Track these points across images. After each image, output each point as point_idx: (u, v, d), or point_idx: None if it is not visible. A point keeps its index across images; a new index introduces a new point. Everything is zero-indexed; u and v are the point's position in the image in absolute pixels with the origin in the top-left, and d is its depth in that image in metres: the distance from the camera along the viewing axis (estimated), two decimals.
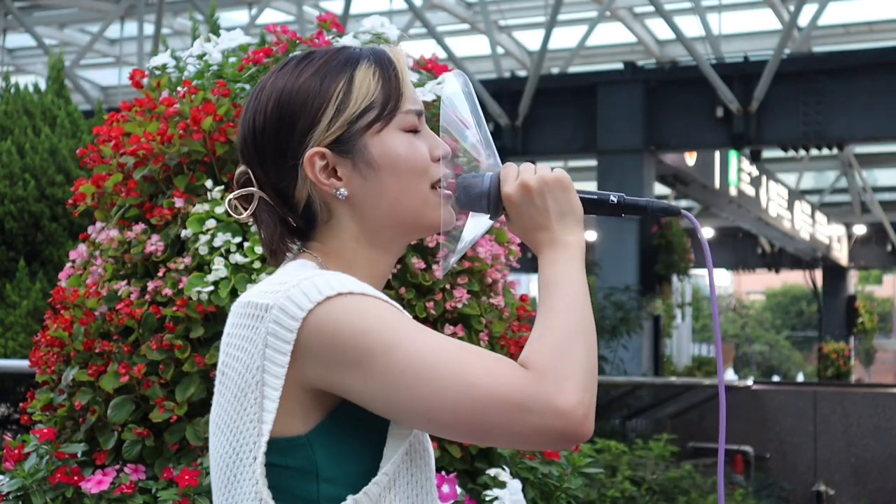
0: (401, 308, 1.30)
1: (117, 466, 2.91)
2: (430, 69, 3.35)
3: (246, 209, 1.40)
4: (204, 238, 2.95)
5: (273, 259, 1.41)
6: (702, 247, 1.50)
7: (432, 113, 2.77)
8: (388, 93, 1.37)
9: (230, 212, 1.41)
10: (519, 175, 1.39)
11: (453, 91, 1.44)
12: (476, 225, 1.42)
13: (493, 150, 1.43)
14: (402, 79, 1.39)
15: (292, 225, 1.40)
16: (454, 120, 1.42)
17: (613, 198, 1.44)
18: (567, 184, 1.39)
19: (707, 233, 23.10)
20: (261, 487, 1.27)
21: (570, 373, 1.25)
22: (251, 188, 1.40)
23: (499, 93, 13.86)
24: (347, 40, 3.29)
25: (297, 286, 1.26)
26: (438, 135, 1.41)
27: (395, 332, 1.25)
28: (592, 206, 1.44)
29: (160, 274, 2.98)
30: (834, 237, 24.03)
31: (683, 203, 22.94)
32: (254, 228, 2.95)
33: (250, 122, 1.39)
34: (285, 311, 1.25)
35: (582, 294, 1.33)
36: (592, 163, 15.66)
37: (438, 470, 3.00)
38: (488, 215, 1.41)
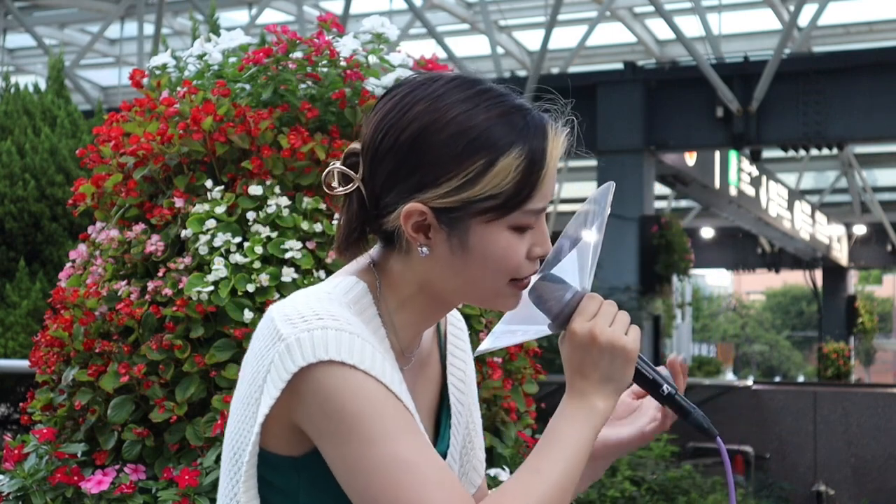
0: (398, 395, 1.27)
1: (117, 466, 2.91)
2: (430, 69, 3.35)
3: (342, 185, 1.36)
4: (204, 238, 2.95)
5: (339, 253, 1.39)
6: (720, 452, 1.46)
7: None
8: (520, 188, 1.30)
9: (324, 181, 1.37)
10: (595, 317, 1.35)
11: (603, 200, 1.42)
12: (533, 321, 1.38)
13: (593, 268, 1.40)
14: (545, 175, 1.33)
15: (371, 227, 1.37)
16: (581, 219, 1.39)
17: (665, 389, 1.41)
18: (631, 357, 1.35)
19: (707, 233, 23.09)
20: (240, 495, 1.30)
21: None
22: (355, 174, 1.35)
23: None
24: (347, 41, 3.29)
25: (311, 332, 1.26)
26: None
27: (379, 426, 1.24)
28: (643, 381, 1.41)
29: (160, 274, 2.98)
30: (834, 237, 24.03)
31: (683, 203, 22.96)
32: (255, 228, 2.96)
33: (382, 131, 1.32)
34: (290, 351, 1.26)
35: (576, 467, 1.30)
36: (592, 163, 15.66)
37: None
38: (549, 324, 1.38)
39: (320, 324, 1.26)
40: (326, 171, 1.37)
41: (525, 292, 1.36)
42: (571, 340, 1.35)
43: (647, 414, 1.50)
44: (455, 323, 1.54)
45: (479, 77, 1.36)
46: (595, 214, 1.41)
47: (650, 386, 1.41)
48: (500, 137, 1.30)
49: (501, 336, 1.40)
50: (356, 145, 1.37)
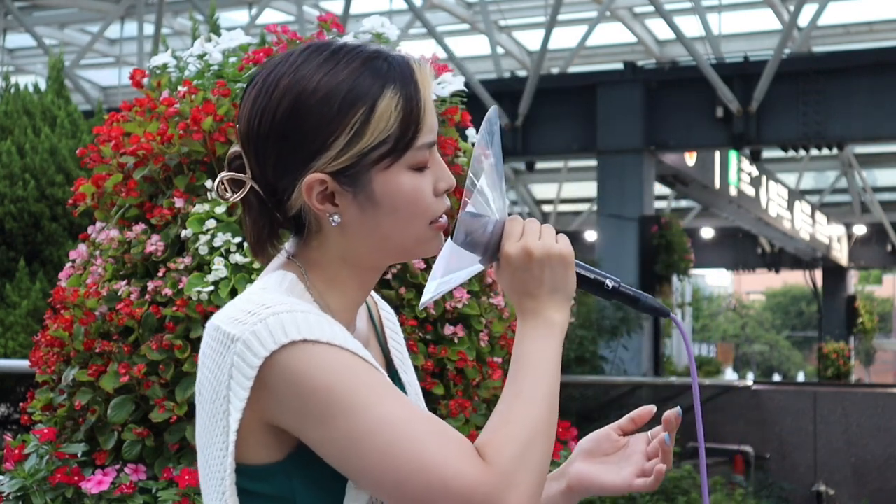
0: (370, 359, 1.25)
1: (117, 466, 2.91)
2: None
3: (234, 192, 1.33)
4: (204, 238, 2.95)
5: (255, 253, 1.37)
6: (682, 335, 1.46)
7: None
8: (406, 126, 1.29)
9: (216, 192, 1.34)
10: (523, 236, 1.34)
11: (488, 126, 1.39)
12: (465, 264, 1.36)
13: (504, 190, 1.39)
14: (423, 109, 1.31)
15: (279, 220, 1.35)
16: (478, 153, 1.37)
17: (609, 283, 1.40)
18: (569, 261, 1.34)
19: (707, 233, 23.09)
20: None
21: (526, 476, 1.23)
22: (243, 175, 1.33)
23: (499, 93, 13.85)
24: (348, 40, 3.29)
25: (264, 321, 1.23)
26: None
27: (359, 394, 1.21)
28: (587, 284, 1.40)
29: (160, 274, 2.98)
30: (834, 237, 24.03)
31: (683, 203, 22.96)
32: None
33: (256, 118, 1.30)
34: (249, 346, 1.22)
35: (553, 381, 1.30)
36: (592, 163, 15.67)
37: None
38: (480, 259, 1.36)
39: (270, 311, 1.24)
40: (216, 183, 1.34)
41: (448, 240, 1.35)
42: (508, 265, 1.33)
43: (634, 461, 1.47)
44: (386, 308, 1.53)
45: (330, 40, 1.38)
46: (487, 145, 1.37)
47: (594, 285, 1.40)
48: (371, 84, 1.29)
49: (441, 287, 1.36)
50: (236, 148, 1.34)
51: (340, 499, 1.27)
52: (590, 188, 19.91)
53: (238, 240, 2.96)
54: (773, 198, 18.77)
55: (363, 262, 1.35)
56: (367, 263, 1.36)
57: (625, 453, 1.47)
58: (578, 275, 1.37)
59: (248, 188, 1.32)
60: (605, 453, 1.48)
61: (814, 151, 16.03)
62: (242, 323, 1.24)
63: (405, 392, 1.44)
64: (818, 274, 25.52)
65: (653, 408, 1.47)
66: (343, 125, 1.28)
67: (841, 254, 24.76)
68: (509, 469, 1.22)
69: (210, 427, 1.28)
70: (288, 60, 1.32)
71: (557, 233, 1.36)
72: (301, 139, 1.28)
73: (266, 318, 1.23)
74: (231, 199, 1.33)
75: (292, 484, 1.26)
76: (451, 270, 1.35)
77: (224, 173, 1.33)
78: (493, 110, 1.41)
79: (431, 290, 1.35)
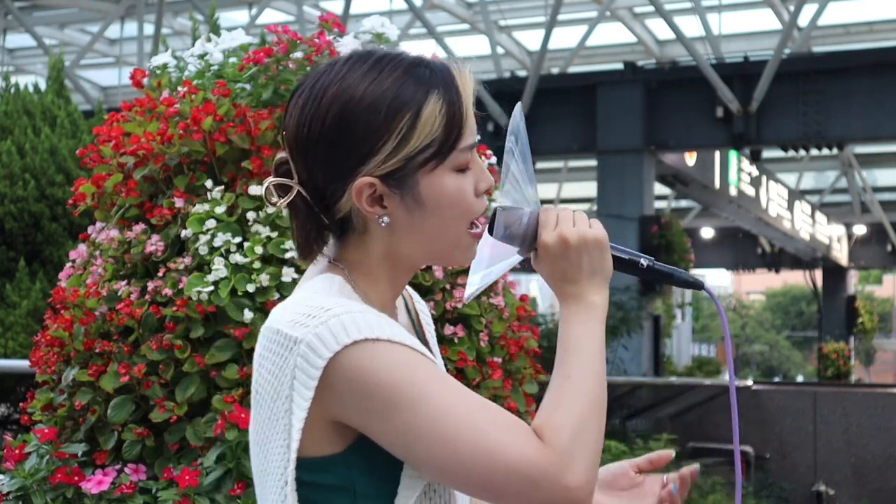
0: (425, 352, 1.31)
1: (117, 466, 2.91)
2: None
3: (281, 197, 1.39)
4: (204, 238, 2.95)
5: (303, 255, 1.42)
6: (720, 315, 1.54)
7: None
8: (449, 130, 1.35)
9: (265, 197, 1.40)
10: (558, 224, 1.40)
11: (515, 123, 1.44)
12: (503, 256, 1.43)
13: (534, 182, 1.44)
14: (465, 113, 1.38)
15: (325, 223, 1.40)
16: (510, 149, 1.43)
17: (644, 262, 1.46)
18: (604, 244, 1.40)
19: (707, 233, 23.10)
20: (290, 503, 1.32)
21: (582, 453, 1.29)
22: (290, 181, 1.38)
23: (499, 93, 13.85)
24: (348, 41, 3.29)
25: (325, 323, 1.28)
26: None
27: (419, 387, 1.27)
28: (622, 265, 1.46)
29: (160, 274, 2.98)
30: (834, 237, 24.03)
31: (683, 203, 22.96)
32: (255, 228, 2.96)
33: (305, 126, 1.35)
34: (313, 348, 1.28)
35: (598, 361, 1.36)
36: (592, 163, 15.67)
37: None
38: (518, 251, 1.42)
39: (329, 314, 1.29)
40: (264, 188, 1.40)
41: (485, 235, 1.40)
42: (547, 253, 1.39)
43: (648, 502, 1.55)
44: (419, 300, 1.60)
45: (371, 48, 1.42)
46: (515, 142, 1.43)
47: (630, 266, 1.46)
48: (415, 91, 1.35)
49: (483, 280, 1.43)
50: (283, 154, 1.39)
51: (396, 487, 1.33)
52: (590, 188, 19.91)
53: (238, 240, 2.96)
54: (773, 198, 18.77)
55: (403, 262, 1.41)
56: (407, 263, 1.42)
57: (640, 492, 1.56)
58: (614, 256, 1.43)
59: (294, 192, 1.37)
60: (622, 488, 1.56)
61: (814, 151, 16.03)
62: (304, 326, 1.29)
63: None
64: (818, 274, 25.52)
65: (671, 453, 1.55)
66: (390, 130, 1.33)
67: (841, 254, 24.76)
68: (567, 448, 1.28)
69: (269, 424, 1.33)
70: (333, 69, 1.38)
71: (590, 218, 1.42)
72: (350, 145, 1.34)
73: (327, 320, 1.28)
74: (279, 204, 1.38)
75: (352, 474, 1.32)
76: (491, 263, 1.42)
77: (271, 178, 1.39)
78: (518, 107, 1.47)
79: (476, 283, 1.42)
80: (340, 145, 1.34)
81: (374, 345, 1.28)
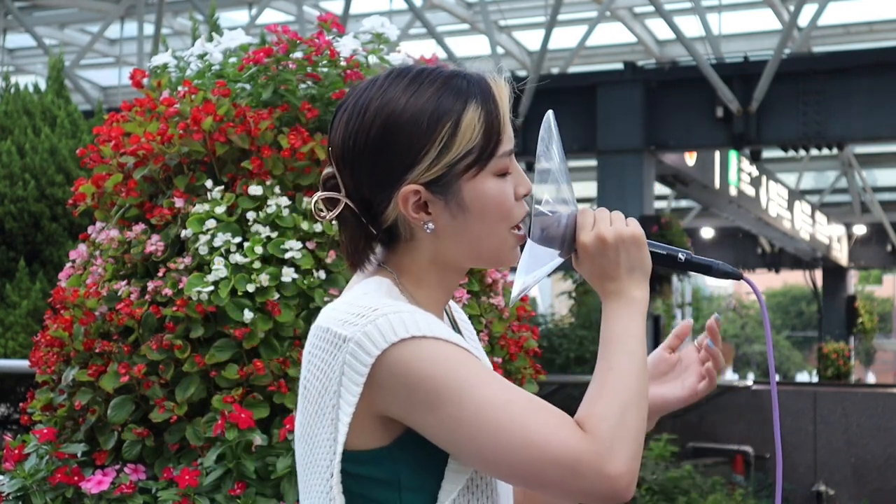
0: (469, 349, 1.36)
1: (117, 466, 2.91)
2: None
3: (329, 210, 1.44)
4: (204, 238, 2.95)
5: (352, 265, 1.47)
6: (760, 307, 1.58)
7: None
8: (488, 137, 1.42)
9: (313, 210, 1.45)
10: (595, 224, 1.45)
11: (547, 128, 1.50)
12: (545, 259, 1.47)
13: (571, 185, 1.49)
14: (503, 120, 1.44)
15: (373, 233, 1.45)
16: (543, 154, 1.48)
17: (682, 255, 1.51)
18: (641, 240, 1.45)
19: (707, 233, 23.09)
20: (335, 494, 1.36)
21: (624, 443, 1.33)
22: (338, 194, 1.44)
23: None
24: (347, 41, 3.29)
25: (373, 322, 1.33)
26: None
27: (464, 381, 1.32)
28: (661, 260, 1.50)
29: (160, 274, 2.98)
30: (834, 237, 24.02)
31: (683, 203, 22.96)
32: (255, 228, 2.96)
33: (351, 139, 1.41)
34: (361, 346, 1.33)
35: (641, 354, 1.41)
36: (592, 163, 15.67)
37: None
38: (559, 253, 1.46)
39: (378, 314, 1.34)
40: (312, 202, 1.46)
41: (528, 241, 1.45)
42: (586, 253, 1.45)
43: (692, 371, 1.60)
44: (459, 311, 1.64)
45: (409, 64, 1.49)
46: (547, 145, 1.49)
47: (668, 260, 1.51)
48: (454, 101, 1.41)
49: (526, 282, 1.47)
50: (330, 169, 1.45)
51: (440, 481, 1.37)
52: (590, 188, 19.90)
53: (238, 240, 2.96)
54: (773, 198, 18.77)
55: (450, 266, 1.47)
56: (454, 266, 1.47)
57: (681, 368, 1.62)
58: (652, 252, 1.48)
59: (342, 205, 1.43)
60: (663, 373, 1.62)
61: (814, 151, 16.02)
62: (353, 325, 1.35)
63: None
64: (818, 274, 25.51)
65: (690, 321, 1.61)
66: (432, 139, 1.40)
67: (841, 254, 24.75)
68: (609, 437, 1.32)
69: (317, 419, 1.38)
70: (374, 85, 1.44)
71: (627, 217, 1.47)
72: (395, 155, 1.40)
73: (375, 319, 1.34)
74: (328, 217, 1.44)
75: (397, 467, 1.37)
76: (534, 267, 1.46)
77: (320, 193, 1.45)
78: (550, 113, 1.53)
79: (520, 286, 1.46)
80: (385, 156, 1.40)
81: (420, 342, 1.33)
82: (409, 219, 1.41)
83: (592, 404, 1.36)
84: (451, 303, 1.62)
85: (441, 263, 1.45)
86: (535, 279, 1.47)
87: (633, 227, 1.45)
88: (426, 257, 1.45)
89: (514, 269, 1.49)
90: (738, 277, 1.53)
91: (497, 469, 1.33)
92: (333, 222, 1.47)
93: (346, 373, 1.34)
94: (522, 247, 1.46)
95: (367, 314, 1.35)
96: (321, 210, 1.45)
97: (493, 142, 1.42)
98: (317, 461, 1.38)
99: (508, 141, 1.45)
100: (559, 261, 1.47)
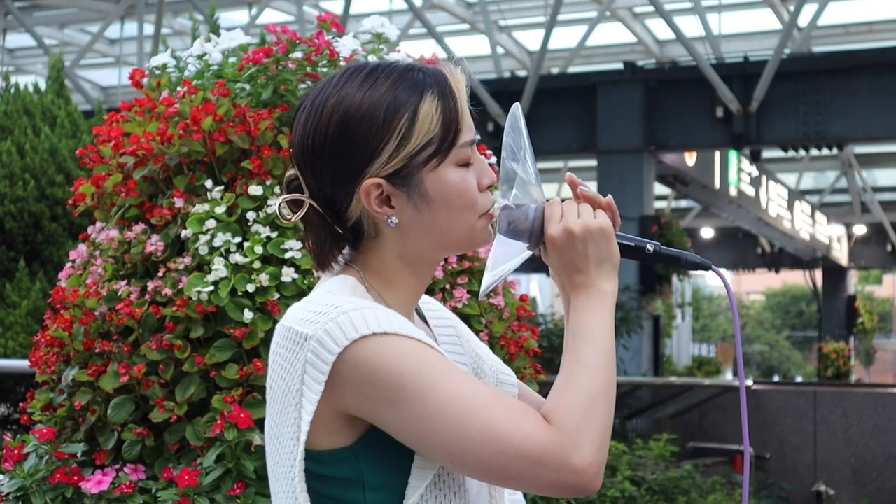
0: (433, 344, 1.35)
1: (117, 466, 2.91)
2: None
3: (294, 213, 1.44)
4: (204, 238, 2.95)
5: (319, 266, 1.47)
6: (730, 301, 1.54)
7: None
8: (447, 127, 1.41)
9: (278, 214, 1.45)
10: (563, 217, 1.43)
11: (514, 121, 1.48)
12: (514, 252, 1.45)
13: (538, 177, 1.47)
14: (461, 110, 1.43)
15: (339, 233, 1.45)
16: (510, 147, 1.46)
17: (650, 247, 1.49)
18: (609, 232, 1.43)
19: (707, 233, 23.10)
20: (298, 494, 1.35)
21: (589, 434, 1.32)
22: (302, 195, 1.43)
23: (499, 93, 13.86)
24: (347, 41, 3.29)
25: (334, 319, 1.33)
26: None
27: (427, 377, 1.31)
28: (629, 251, 1.49)
29: (160, 274, 2.98)
30: (834, 237, 24.02)
31: (683, 203, 22.96)
32: (255, 228, 2.96)
33: (309, 138, 1.41)
34: (323, 344, 1.32)
35: (609, 346, 1.40)
36: (592, 163, 15.67)
37: None
38: (527, 246, 1.45)
39: (339, 311, 1.34)
40: (277, 205, 1.45)
41: (497, 235, 1.44)
42: (554, 246, 1.43)
43: None
44: (424, 300, 1.62)
45: (365, 62, 1.48)
46: (513, 138, 1.47)
47: (637, 251, 1.49)
48: (410, 93, 1.40)
49: (494, 277, 1.45)
50: (292, 171, 1.45)
51: (406, 479, 1.37)
52: (590, 188, 19.89)
53: (238, 240, 2.96)
54: (773, 198, 18.77)
55: (420, 259, 1.46)
56: (425, 259, 1.46)
57: None
58: (620, 244, 1.46)
59: (307, 206, 1.43)
60: None
61: (814, 151, 16.03)
62: (314, 323, 1.34)
63: None
64: (818, 274, 25.51)
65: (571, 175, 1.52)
66: (390, 131, 1.39)
67: (841, 254, 24.76)
68: (574, 429, 1.31)
69: (281, 418, 1.37)
70: (331, 83, 1.44)
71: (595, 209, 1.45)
72: (354, 150, 1.39)
73: (336, 316, 1.33)
74: (293, 220, 1.44)
75: (361, 466, 1.36)
76: (502, 261, 1.44)
77: (283, 196, 1.44)
78: (516, 106, 1.51)
79: (488, 281, 1.44)
80: (344, 151, 1.39)
81: (382, 338, 1.32)
82: (372, 214, 1.40)
83: (559, 396, 1.35)
84: (425, 296, 1.61)
85: (409, 258, 1.44)
86: (503, 273, 1.45)
87: (601, 218, 1.43)
88: (393, 254, 1.44)
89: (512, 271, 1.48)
90: (707, 268, 1.50)
91: (463, 464, 1.32)
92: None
93: (307, 371, 1.33)
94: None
95: (328, 312, 1.34)
96: (286, 213, 1.44)
97: (452, 132, 1.41)
98: (283, 461, 1.37)
99: (468, 131, 1.43)
100: (527, 254, 1.46)
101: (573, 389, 1.35)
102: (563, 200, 1.47)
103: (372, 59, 3.27)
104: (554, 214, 1.44)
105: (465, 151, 1.42)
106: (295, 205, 1.44)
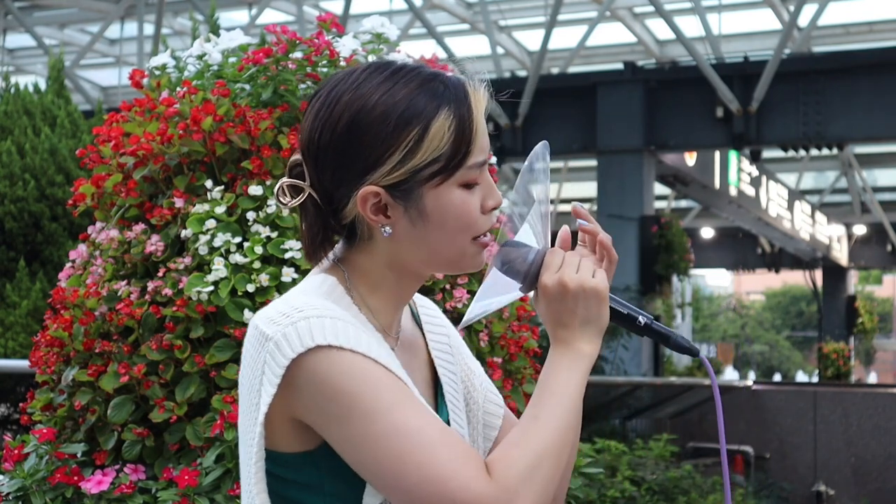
0: (388, 366, 1.32)
1: (117, 466, 2.91)
2: None
3: (293, 198, 1.41)
4: (204, 238, 2.95)
5: (309, 259, 1.45)
6: (709, 376, 1.50)
7: None
8: (457, 147, 1.37)
9: (277, 196, 1.42)
10: (561, 268, 1.39)
11: (536, 162, 1.44)
12: (505, 289, 1.43)
13: (548, 226, 1.44)
14: (475, 130, 1.38)
15: (333, 226, 1.42)
16: (525, 188, 1.44)
17: (642, 319, 1.45)
18: (604, 296, 1.40)
19: (707, 233, 23.09)
20: (254, 494, 1.35)
21: (527, 494, 1.28)
22: (303, 183, 1.41)
23: (498, 93, 13.82)
24: (347, 40, 3.29)
25: (294, 324, 1.31)
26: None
27: (377, 401, 1.29)
28: (620, 318, 1.45)
29: (160, 274, 2.98)
30: (834, 237, 24.02)
31: (683, 203, 22.95)
32: (255, 228, 2.96)
33: (317, 131, 1.38)
34: (279, 347, 1.31)
35: (573, 407, 1.36)
36: (592, 163, 15.67)
37: None
38: (520, 287, 1.42)
39: (301, 315, 1.31)
40: (276, 187, 1.42)
41: (493, 265, 1.42)
42: (545, 295, 1.40)
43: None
44: (424, 304, 1.60)
45: (392, 59, 1.44)
46: (533, 176, 1.44)
47: (627, 320, 1.45)
48: (426, 105, 1.36)
49: (480, 309, 1.43)
50: (297, 156, 1.42)
51: (363, 488, 1.34)
52: (590, 188, 19.91)
53: (238, 240, 2.96)
54: (773, 198, 18.77)
55: (407, 270, 1.43)
56: (411, 271, 1.43)
57: None
58: (612, 309, 1.42)
59: (306, 195, 1.40)
60: None
61: (814, 151, 16.02)
62: (276, 324, 1.32)
63: (443, 392, 1.51)
64: (818, 274, 25.50)
65: (576, 203, 1.50)
66: (398, 142, 1.35)
67: (841, 254, 24.75)
68: (512, 487, 1.28)
69: (246, 415, 1.37)
70: (350, 77, 1.40)
71: (596, 268, 1.41)
72: (358, 153, 1.36)
73: (297, 321, 1.31)
74: (290, 204, 1.41)
75: (321, 473, 1.35)
76: (493, 294, 1.43)
77: (285, 179, 1.42)
78: (541, 145, 1.47)
79: (473, 312, 1.43)
80: (349, 152, 1.36)
81: (337, 352, 1.29)
82: (366, 219, 1.38)
83: (507, 450, 1.31)
84: (418, 296, 1.58)
85: (397, 268, 1.42)
86: (490, 308, 1.43)
87: (599, 279, 1.39)
88: (382, 260, 1.41)
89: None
90: (695, 354, 1.45)
91: (394, 495, 1.29)
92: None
93: (265, 372, 1.32)
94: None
95: (291, 314, 1.32)
96: (285, 196, 1.41)
97: (462, 152, 1.37)
98: (246, 460, 1.37)
99: (480, 152, 1.39)
100: (518, 294, 1.43)
101: (522, 446, 1.31)
102: (573, 232, 1.43)
103: (372, 59, 3.27)
104: (553, 263, 1.40)
105: (472, 173, 1.38)
106: (294, 191, 1.41)
